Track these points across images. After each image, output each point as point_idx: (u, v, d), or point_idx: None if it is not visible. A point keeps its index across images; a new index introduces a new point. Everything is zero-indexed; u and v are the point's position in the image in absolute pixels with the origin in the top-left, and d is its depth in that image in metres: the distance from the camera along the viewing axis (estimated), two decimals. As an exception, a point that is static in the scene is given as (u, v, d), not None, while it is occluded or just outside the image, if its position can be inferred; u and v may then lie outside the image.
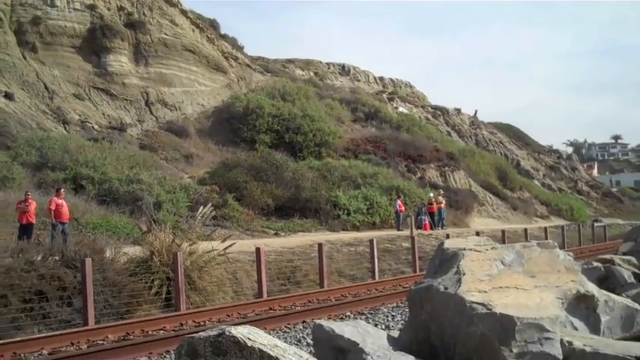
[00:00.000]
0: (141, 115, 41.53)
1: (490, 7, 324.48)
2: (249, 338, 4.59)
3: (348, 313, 14.66)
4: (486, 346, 4.96)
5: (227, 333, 4.61)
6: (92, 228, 21.46)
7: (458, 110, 79.54)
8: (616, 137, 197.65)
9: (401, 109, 68.34)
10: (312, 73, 70.01)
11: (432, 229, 35.10)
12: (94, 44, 41.41)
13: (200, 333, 4.78)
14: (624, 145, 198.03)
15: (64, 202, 20.02)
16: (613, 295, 6.20)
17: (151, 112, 42.35)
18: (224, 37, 57.93)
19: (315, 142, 43.88)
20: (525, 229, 34.68)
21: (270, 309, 15.37)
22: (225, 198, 29.85)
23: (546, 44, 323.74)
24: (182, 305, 15.27)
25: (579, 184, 78.12)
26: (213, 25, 57.92)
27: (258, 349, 4.46)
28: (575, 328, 5.63)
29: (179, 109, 44.24)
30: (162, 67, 44.66)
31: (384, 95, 70.96)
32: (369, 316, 14.33)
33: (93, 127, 37.31)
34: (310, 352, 9.43)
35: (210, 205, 25.64)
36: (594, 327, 5.78)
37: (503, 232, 31.59)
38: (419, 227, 33.50)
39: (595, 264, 8.34)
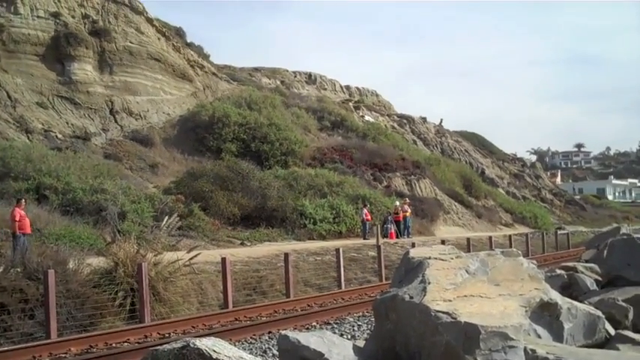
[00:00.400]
0: (105, 123, 41.12)
1: (456, 17, 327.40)
2: (214, 350, 4.55)
3: (315, 323, 14.63)
4: (451, 355, 4.97)
5: (192, 345, 4.57)
6: (55, 239, 21.14)
7: (423, 119, 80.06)
8: (579, 145, 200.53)
9: (367, 117, 68.56)
10: (278, 82, 69.97)
11: (397, 237, 35.25)
12: (58, 52, 40.92)
13: (164, 345, 4.74)
14: (587, 153, 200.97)
15: (25, 213, 19.71)
16: (576, 303, 6.25)
17: (116, 121, 41.95)
18: (190, 45, 57.68)
19: (282, 151, 43.83)
20: (490, 237, 34.92)
21: (236, 320, 15.27)
22: (190, 208, 29.65)
23: (512, 53, 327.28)
24: (147, 317, 15.12)
25: (543, 192, 78.98)
26: (179, 33, 57.67)
27: (223, 361, 4.42)
28: (539, 336, 5.67)
29: (144, 117, 43.89)
30: (127, 75, 44.28)
31: (351, 104, 71.13)
32: (335, 325, 14.32)
33: (56, 136, 36.84)
34: (276, 363, 9.41)
35: (175, 215, 25.48)
36: (557, 334, 5.83)
37: (468, 240, 31.78)
38: (385, 236, 33.61)
39: (558, 272, 8.41)
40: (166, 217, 24.75)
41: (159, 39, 49.09)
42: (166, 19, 56.71)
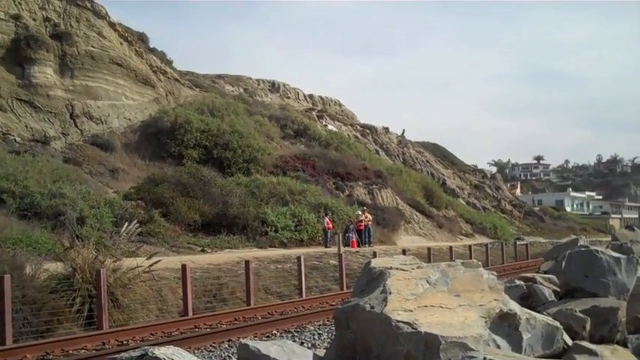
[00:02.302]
0: (65, 128, 40.59)
1: (421, 28, 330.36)
2: (172, 359, 4.50)
3: (275, 332, 14.59)
4: (411, 365, 4.97)
5: (150, 354, 4.52)
6: (12, 243, 20.74)
7: (386, 129, 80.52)
8: (538, 158, 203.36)
9: (330, 126, 68.73)
10: (241, 89, 69.86)
11: (359, 246, 35.34)
12: (18, 55, 40.28)
13: (122, 354, 4.67)
14: (546, 165, 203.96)
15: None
16: (534, 314, 6.30)
17: (76, 125, 41.42)
18: (153, 50, 57.25)
19: (244, 159, 43.70)
20: (450, 247, 35.20)
21: (196, 327, 15.17)
22: (151, 214, 29.38)
23: (474, 67, 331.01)
24: (104, 323, 14.93)
25: (503, 203, 79.81)
26: (142, 38, 57.16)
27: (182, 369, 4.37)
28: (498, 346, 5.69)
29: (105, 122, 43.41)
30: (88, 79, 43.77)
31: (314, 113, 71.27)
32: (296, 334, 14.30)
33: (15, 139, 36.26)
34: (235, 372, 9.35)
35: (135, 220, 25.21)
36: (516, 345, 5.86)
37: (429, 249, 31.98)
38: (346, 244, 33.69)
39: (517, 282, 8.47)
40: (126, 223, 24.45)
41: (121, 44, 48.65)
42: (129, 24, 56.25)
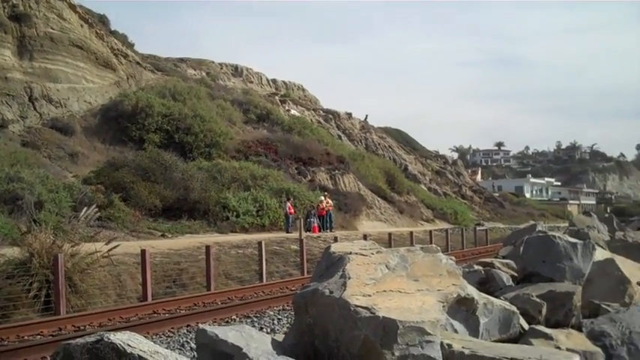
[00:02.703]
0: (24, 111, 39.85)
1: (383, 14, 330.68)
2: (128, 345, 4.42)
3: (234, 317, 14.55)
4: (369, 349, 4.98)
5: (105, 339, 4.43)
6: (-33, 228, 20.45)
7: (349, 114, 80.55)
8: (499, 144, 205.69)
9: (293, 111, 68.59)
10: (204, 73, 69.34)
11: (320, 231, 35.40)
12: (-26, 36, 39.53)
13: (77, 339, 4.59)
14: (507, 152, 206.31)
15: None
16: (492, 298, 6.35)
17: (35, 109, 40.71)
18: (114, 33, 56.51)
19: (206, 143, 43.40)
20: (411, 233, 35.41)
21: (154, 313, 15.06)
22: (110, 198, 29.08)
23: (436, 53, 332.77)
24: (62, 309, 14.75)
25: (463, 189, 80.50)
26: (103, 20, 56.41)
27: (138, 355, 4.30)
28: (456, 331, 5.73)
29: (65, 105, 42.74)
30: (47, 62, 43.01)
31: (277, 98, 71.07)
32: (255, 319, 14.28)
33: (-29, 122, 35.60)
34: (193, 358, 9.29)
35: (94, 205, 24.90)
36: (474, 329, 5.91)
37: (390, 235, 32.13)
38: (308, 230, 33.73)
39: (476, 267, 8.53)
40: (85, 208, 24.15)
41: (82, 26, 47.89)
42: (90, 5, 55.57)
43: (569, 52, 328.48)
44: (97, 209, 23.86)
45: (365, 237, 27.50)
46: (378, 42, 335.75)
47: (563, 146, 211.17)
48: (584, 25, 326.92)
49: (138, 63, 54.82)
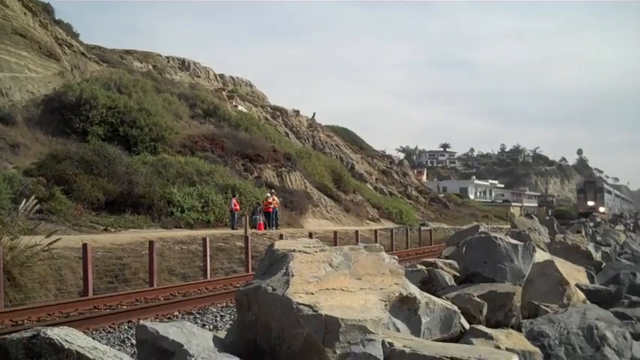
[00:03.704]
0: (-37, 99, 38.89)
1: (333, 13, 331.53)
2: (66, 340, 4.34)
3: (177, 313, 14.43)
4: (311, 347, 4.97)
5: (42, 334, 4.34)
6: None
7: (297, 112, 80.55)
8: (444, 146, 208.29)
9: (240, 107, 68.26)
10: (150, 66, 68.53)
11: (266, 228, 35.34)
12: None
13: (13, 334, 4.47)
14: (452, 153, 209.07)
15: None
16: (434, 298, 6.41)
17: (-25, 97, 39.75)
18: (58, 22, 55.39)
19: (151, 137, 42.85)
20: (356, 232, 35.59)
21: (95, 308, 14.85)
22: (52, 191, 28.52)
23: (384, 53, 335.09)
24: (0, 303, 14.44)
25: (409, 189, 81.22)
26: (47, 9, 55.21)
27: (76, 351, 4.22)
28: (398, 330, 5.77)
29: (6, 95, 41.74)
30: (-12, 50, 42.02)
31: (224, 93, 70.65)
32: (198, 316, 14.17)
33: None
34: (134, 354, 9.17)
35: (34, 197, 24.40)
36: (415, 328, 5.95)
37: (335, 233, 32.25)
38: (253, 226, 33.63)
39: (419, 267, 8.60)
40: (25, 200, 23.65)
41: (25, 14, 46.80)
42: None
43: (514, 56, 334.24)
44: (37, 201, 23.38)
45: (310, 235, 27.55)
46: (327, 40, 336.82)
47: (507, 149, 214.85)
48: (531, 29, 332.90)
49: (83, 54, 53.87)
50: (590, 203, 68.10)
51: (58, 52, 48.97)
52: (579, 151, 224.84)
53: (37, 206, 23.28)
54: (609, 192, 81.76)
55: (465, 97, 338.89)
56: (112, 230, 28.18)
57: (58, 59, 48.52)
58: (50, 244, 17.18)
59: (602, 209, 66.13)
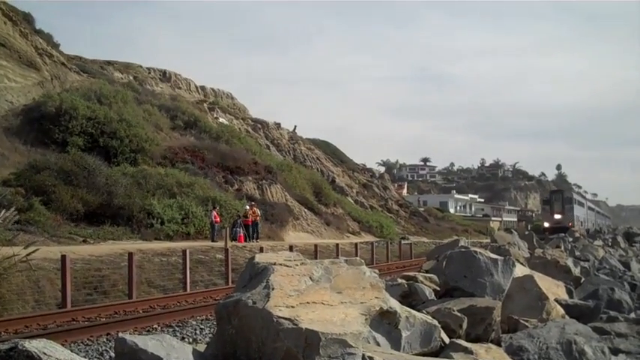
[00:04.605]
0: (-59, 108, 38.54)
1: (313, 27, 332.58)
2: (44, 353, 4.31)
3: (156, 326, 14.34)
4: (291, 361, 4.97)
5: (20, 347, 4.30)
6: None
7: (278, 124, 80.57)
8: (425, 160, 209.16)
9: (221, 119, 68.17)
10: (131, 77, 68.30)
11: (246, 241, 35.25)
12: None
13: (-11, 346, 4.44)
14: (432, 167, 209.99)
15: None
16: (414, 312, 6.41)
17: (-47, 107, 39.41)
18: (39, 32, 55.16)
19: (131, 148, 42.66)
20: (337, 245, 35.53)
21: (74, 320, 14.73)
22: (31, 201, 28.32)
23: (367, 67, 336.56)
24: (-24, 315, 14.28)
25: (390, 203, 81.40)
26: (28, 19, 54.96)
27: (53, 364, 4.20)
28: (378, 344, 5.76)
29: (-15, 105, 41.50)
30: (-32, 59, 41.74)
31: (205, 105, 70.53)
32: (177, 329, 14.10)
33: None
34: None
35: (13, 208, 24.17)
36: (395, 342, 5.94)
37: (316, 246, 32.22)
38: (234, 239, 33.53)
39: (399, 281, 8.59)
40: (3, 210, 23.42)
41: (5, 23, 46.59)
42: (14, 3, 53.95)
43: (494, 72, 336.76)
44: (16, 212, 23.17)
45: (291, 248, 27.52)
46: (309, 54, 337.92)
47: (487, 164, 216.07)
48: (513, 48, 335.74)
49: (63, 64, 53.64)
50: (557, 217, 59.20)
51: (38, 61, 48.74)
52: (558, 167, 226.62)
53: (17, 217, 23.08)
54: (581, 204, 70.73)
55: (445, 111, 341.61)
56: (91, 242, 27.99)
57: (38, 69, 48.28)
58: (28, 255, 16.99)
59: (570, 224, 55.04)
